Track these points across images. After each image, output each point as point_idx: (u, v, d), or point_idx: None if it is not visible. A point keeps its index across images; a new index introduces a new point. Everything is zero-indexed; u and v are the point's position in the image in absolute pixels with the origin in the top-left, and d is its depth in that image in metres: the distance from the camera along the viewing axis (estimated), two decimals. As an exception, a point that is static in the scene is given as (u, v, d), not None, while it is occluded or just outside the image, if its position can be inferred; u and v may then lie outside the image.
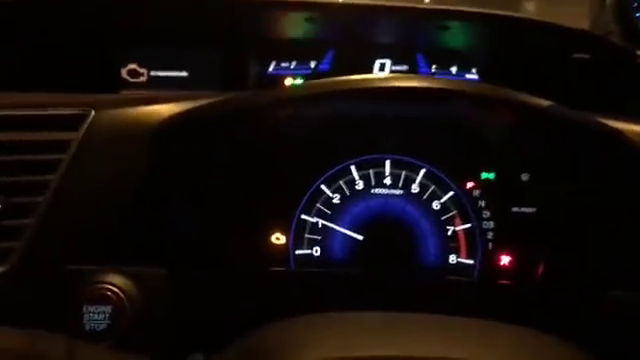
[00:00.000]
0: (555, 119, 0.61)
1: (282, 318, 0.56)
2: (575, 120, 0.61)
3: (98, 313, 0.52)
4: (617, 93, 0.77)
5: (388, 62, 0.99)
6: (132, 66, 0.91)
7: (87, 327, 0.52)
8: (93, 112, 0.60)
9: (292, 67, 0.98)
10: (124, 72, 0.90)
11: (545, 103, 0.59)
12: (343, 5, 0.90)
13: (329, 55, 0.98)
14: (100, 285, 0.53)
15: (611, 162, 0.64)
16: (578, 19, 0.85)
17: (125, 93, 0.87)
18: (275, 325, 0.55)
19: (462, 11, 0.87)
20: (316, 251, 0.69)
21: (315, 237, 0.69)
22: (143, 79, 0.90)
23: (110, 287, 0.53)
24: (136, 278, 0.55)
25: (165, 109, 0.62)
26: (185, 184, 0.64)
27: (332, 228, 0.69)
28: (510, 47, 0.89)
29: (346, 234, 0.69)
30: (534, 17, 0.82)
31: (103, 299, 0.52)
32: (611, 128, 0.60)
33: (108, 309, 0.52)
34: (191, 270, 0.60)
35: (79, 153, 0.58)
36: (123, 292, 0.53)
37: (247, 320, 0.56)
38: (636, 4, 0.78)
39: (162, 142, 0.60)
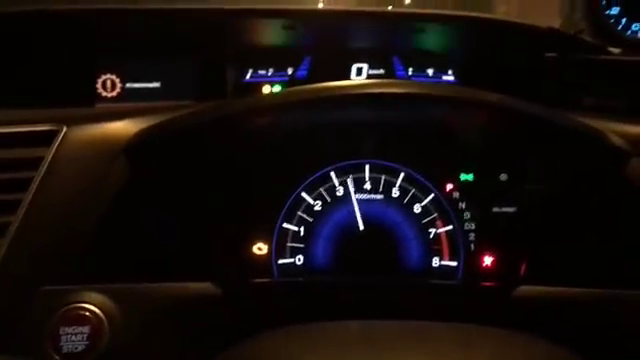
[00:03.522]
0: (531, 119, 0.62)
1: (268, 328, 0.56)
2: (551, 119, 0.61)
3: (76, 334, 0.51)
4: (590, 90, 0.78)
5: (365, 66, 1.00)
6: (106, 77, 0.89)
7: (65, 349, 0.50)
8: (65, 128, 0.60)
9: (269, 74, 0.98)
10: (99, 84, 0.89)
11: (521, 104, 0.60)
12: (318, 12, 0.90)
13: (306, 62, 0.98)
14: (77, 305, 0.52)
15: (588, 160, 0.65)
16: (550, 19, 0.86)
17: (98, 107, 0.86)
18: (266, 336, 0.54)
19: (436, 14, 0.88)
20: (299, 260, 0.68)
21: (298, 245, 0.68)
22: (117, 91, 0.89)
23: (87, 307, 0.51)
24: (114, 296, 0.54)
25: (138, 123, 0.62)
26: (161, 197, 0.63)
27: (314, 236, 0.68)
28: (484, 48, 0.90)
29: (329, 241, 0.68)
30: (507, 18, 0.83)
31: (80, 319, 0.51)
32: (587, 127, 0.61)
33: (86, 329, 0.50)
34: (172, 284, 0.59)
35: (51, 170, 0.57)
36: (101, 311, 0.52)
37: (231, 333, 0.55)
38: (605, 1, 0.80)
39: (136, 156, 0.59)
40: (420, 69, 0.97)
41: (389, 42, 0.99)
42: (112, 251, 0.57)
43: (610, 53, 0.82)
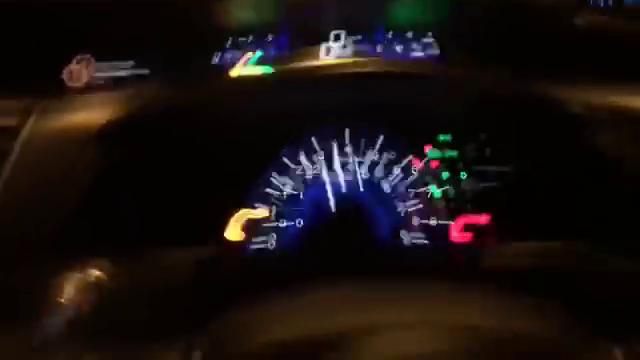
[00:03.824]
0: (498, 92, 0.61)
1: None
2: (515, 91, 0.61)
3: (52, 316, 0.51)
4: (559, 59, 0.75)
5: (343, 33, 0.95)
6: (75, 66, 0.87)
7: (42, 331, 0.50)
8: (32, 119, 0.59)
9: (239, 55, 0.94)
10: (67, 73, 0.87)
11: (488, 78, 0.59)
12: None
13: (283, 34, 0.94)
14: (52, 288, 0.52)
15: (552, 127, 0.63)
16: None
17: (65, 96, 0.84)
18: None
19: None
20: (272, 244, 0.67)
21: (270, 226, 0.67)
22: (86, 80, 0.87)
23: (62, 289, 0.52)
24: (88, 277, 0.54)
25: (106, 111, 0.61)
26: (131, 185, 0.63)
27: (287, 217, 0.67)
28: (462, 13, 0.86)
29: (301, 222, 0.67)
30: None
31: (56, 303, 0.51)
32: (549, 95, 0.60)
33: (62, 311, 0.51)
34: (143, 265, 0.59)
35: (18, 162, 0.57)
36: (76, 292, 0.52)
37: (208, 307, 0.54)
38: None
39: (103, 145, 0.59)
40: (400, 31, 0.93)
41: (367, 6, 0.95)
42: (82, 237, 0.57)
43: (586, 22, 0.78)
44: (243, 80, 0.68)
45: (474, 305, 0.48)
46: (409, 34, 0.93)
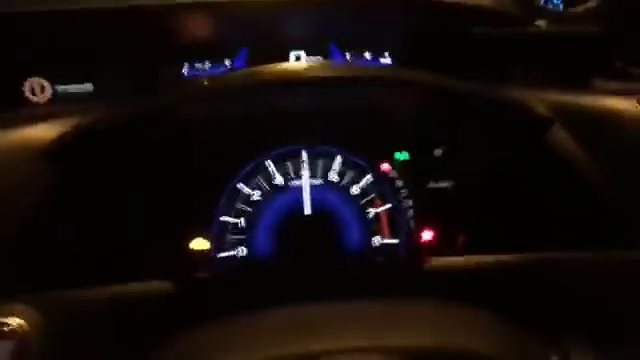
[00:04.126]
0: (460, 95, 0.63)
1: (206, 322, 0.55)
2: (478, 94, 0.62)
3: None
4: (517, 63, 0.80)
5: (303, 53, 0.99)
6: (34, 80, 0.86)
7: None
8: None
9: (206, 68, 0.96)
10: (27, 87, 0.85)
11: (450, 81, 0.61)
12: (249, 2, 0.89)
13: (243, 52, 0.96)
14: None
15: (516, 130, 0.66)
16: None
17: (23, 111, 0.82)
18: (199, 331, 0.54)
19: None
20: (241, 252, 0.68)
21: (238, 237, 0.68)
22: (48, 95, 0.86)
23: (9, 321, 0.49)
24: (39, 305, 0.52)
25: (60, 126, 0.59)
26: (92, 197, 0.61)
27: (255, 226, 0.68)
28: (416, 28, 0.91)
29: (269, 230, 0.68)
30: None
31: (3, 335, 0.49)
32: (512, 98, 0.63)
33: (9, 345, 0.48)
34: (104, 287, 0.57)
35: None
36: (26, 322, 0.50)
37: (168, 331, 0.54)
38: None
39: (57, 160, 0.57)
40: (357, 53, 0.97)
41: (325, 28, 0.99)
42: (37, 258, 0.55)
43: (536, 26, 0.84)
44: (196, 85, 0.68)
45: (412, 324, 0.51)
46: (367, 54, 0.98)
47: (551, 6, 0.83)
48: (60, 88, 0.88)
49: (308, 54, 0.97)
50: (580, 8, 0.83)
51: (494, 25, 0.82)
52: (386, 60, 0.96)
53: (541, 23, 0.85)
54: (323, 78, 0.59)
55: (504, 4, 0.83)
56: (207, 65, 0.96)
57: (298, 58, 0.99)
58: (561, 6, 0.83)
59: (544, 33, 0.83)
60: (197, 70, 0.96)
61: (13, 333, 0.49)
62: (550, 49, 0.79)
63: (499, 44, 0.82)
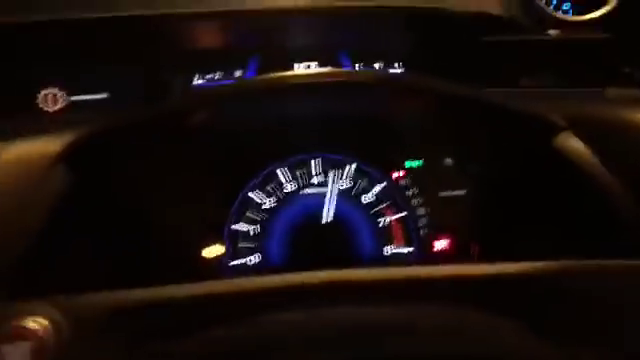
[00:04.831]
0: (472, 103, 0.62)
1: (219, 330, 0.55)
2: (491, 102, 0.62)
3: (17, 351, 0.49)
4: (528, 72, 0.80)
5: (313, 64, 0.99)
6: (49, 90, 0.87)
7: (7, 368, 0.48)
8: None
9: (218, 78, 0.97)
10: (40, 98, 0.86)
11: (461, 89, 0.61)
12: (262, 11, 0.90)
13: (253, 62, 0.97)
14: (16, 321, 0.50)
15: (528, 138, 0.66)
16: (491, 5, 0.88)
17: (39, 119, 0.83)
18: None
19: (379, 6, 0.89)
20: (252, 260, 0.67)
21: (250, 245, 0.68)
22: (62, 105, 0.87)
23: (28, 322, 0.50)
24: (60, 307, 0.52)
25: (79, 132, 0.60)
26: (107, 204, 0.61)
27: (268, 234, 0.68)
28: (426, 38, 0.91)
29: (281, 239, 0.68)
30: (445, 6, 0.85)
31: (20, 336, 0.49)
32: (525, 107, 0.62)
33: (27, 345, 0.49)
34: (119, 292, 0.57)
35: None
36: (44, 324, 0.50)
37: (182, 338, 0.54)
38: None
39: (71, 167, 0.57)
40: (368, 63, 0.98)
41: (335, 38, 1.00)
42: (55, 263, 0.55)
43: (546, 34, 0.84)
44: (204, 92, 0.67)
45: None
46: (377, 65, 0.98)
47: (561, 14, 0.83)
48: (75, 98, 0.89)
49: (319, 65, 0.98)
50: (589, 15, 0.84)
51: (504, 33, 0.82)
52: (396, 70, 0.97)
53: (551, 31, 0.85)
54: (334, 83, 0.59)
55: (514, 12, 0.83)
56: (218, 75, 0.97)
57: (308, 68, 1.00)
58: (570, 13, 0.84)
59: (554, 40, 0.83)
60: (209, 80, 0.97)
61: (33, 334, 0.49)
62: (560, 56, 0.79)
63: (510, 52, 0.82)
